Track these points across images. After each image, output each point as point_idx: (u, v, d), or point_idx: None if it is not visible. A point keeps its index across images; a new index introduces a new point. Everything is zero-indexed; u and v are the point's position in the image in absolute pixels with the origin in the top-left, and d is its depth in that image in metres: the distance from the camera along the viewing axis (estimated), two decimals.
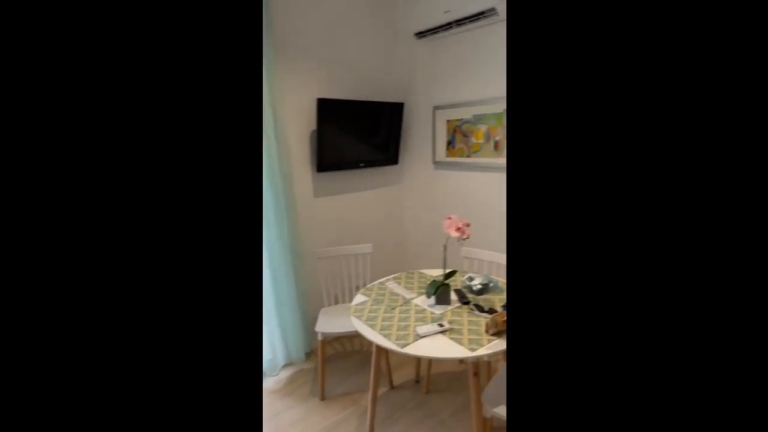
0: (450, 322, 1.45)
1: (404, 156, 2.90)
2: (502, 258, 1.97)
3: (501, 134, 2.21)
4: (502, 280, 1.85)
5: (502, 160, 2.22)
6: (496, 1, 1.90)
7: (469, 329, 1.40)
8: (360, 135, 2.46)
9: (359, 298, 1.72)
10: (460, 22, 2.09)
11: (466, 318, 1.49)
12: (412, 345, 1.32)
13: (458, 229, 1.58)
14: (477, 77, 2.29)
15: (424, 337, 1.37)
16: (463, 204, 2.54)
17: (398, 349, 1.30)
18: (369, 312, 1.57)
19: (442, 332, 1.39)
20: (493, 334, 1.34)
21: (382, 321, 1.49)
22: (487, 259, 2.04)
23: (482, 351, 1.26)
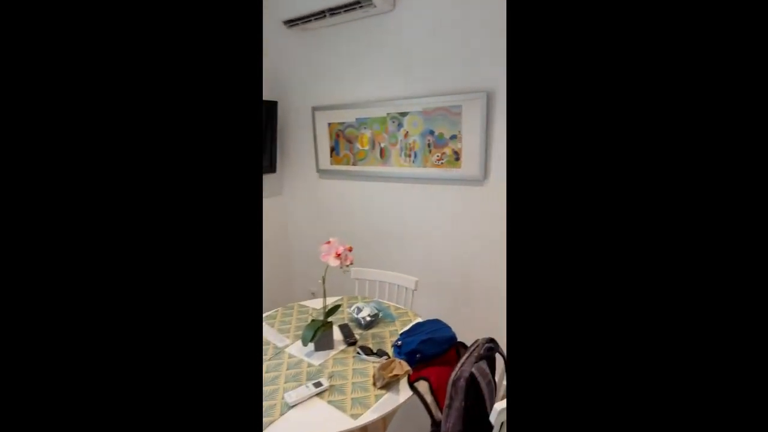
0: (331, 377, 1.16)
1: (283, 163, 2.52)
2: (393, 277, 1.77)
3: (386, 141, 2.01)
4: (393, 305, 1.63)
5: (390, 169, 2.03)
6: None
7: (353, 383, 1.13)
8: None
9: None
10: (333, 11, 1.82)
11: (351, 367, 1.22)
12: (278, 422, 0.99)
13: (338, 255, 1.30)
14: (359, 76, 2.06)
15: (296, 405, 1.05)
16: (353, 216, 2.29)
17: None
18: None
19: (319, 394, 1.08)
20: (382, 387, 1.10)
21: None
22: (379, 279, 1.81)
23: (368, 416, 1.00)
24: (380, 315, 1.51)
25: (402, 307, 1.64)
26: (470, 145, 1.75)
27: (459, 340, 1.30)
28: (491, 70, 1.64)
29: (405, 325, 1.46)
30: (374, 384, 1.11)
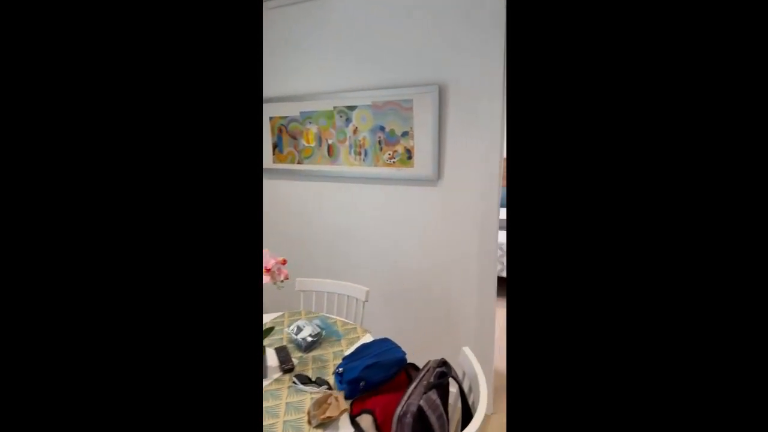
0: None
1: None
2: (342, 288, 1.61)
3: (334, 137, 1.84)
4: (341, 320, 1.47)
5: (339, 168, 1.86)
6: None
7: (285, 422, 0.96)
8: None
9: None
10: None
11: (284, 400, 1.04)
12: None
13: (268, 270, 1.11)
14: (303, 66, 1.86)
15: None
16: (298, 220, 2.10)
17: None
18: None
19: None
20: (318, 426, 0.93)
21: None
22: (326, 290, 1.64)
23: None
24: (324, 334, 1.34)
25: (350, 321, 1.49)
26: (422, 142, 1.62)
27: (410, 361, 1.17)
28: (443, 62, 1.52)
29: (352, 343, 1.30)
30: (309, 422, 0.94)
